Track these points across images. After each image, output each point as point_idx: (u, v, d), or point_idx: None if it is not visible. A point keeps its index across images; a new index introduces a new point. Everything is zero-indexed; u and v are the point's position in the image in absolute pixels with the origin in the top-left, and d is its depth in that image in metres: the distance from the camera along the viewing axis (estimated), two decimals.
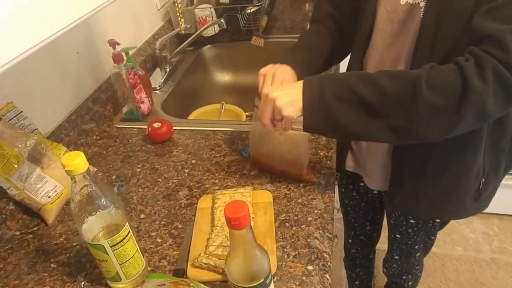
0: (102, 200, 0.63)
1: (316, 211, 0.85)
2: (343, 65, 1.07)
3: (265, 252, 0.59)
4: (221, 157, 1.03)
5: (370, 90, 0.69)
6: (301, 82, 0.75)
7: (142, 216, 0.89)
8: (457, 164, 0.86)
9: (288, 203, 0.87)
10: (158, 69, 1.46)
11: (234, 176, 0.97)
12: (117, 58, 1.12)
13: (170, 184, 0.97)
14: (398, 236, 1.16)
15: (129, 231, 0.68)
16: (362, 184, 1.15)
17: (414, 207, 1.00)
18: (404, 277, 1.33)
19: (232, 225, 0.52)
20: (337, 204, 1.27)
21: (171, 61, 1.46)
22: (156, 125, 1.10)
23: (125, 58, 1.16)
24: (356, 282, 1.54)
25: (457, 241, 1.95)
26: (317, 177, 0.92)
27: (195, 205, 0.89)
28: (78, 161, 0.58)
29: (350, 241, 1.37)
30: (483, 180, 0.90)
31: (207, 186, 0.95)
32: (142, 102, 1.21)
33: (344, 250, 1.44)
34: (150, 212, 0.89)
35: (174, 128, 1.14)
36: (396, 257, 1.24)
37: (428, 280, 1.78)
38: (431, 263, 1.84)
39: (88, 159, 1.06)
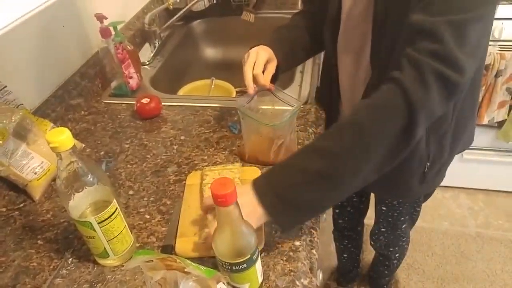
0: (89, 177, 0.63)
1: None
2: None
3: (252, 228, 0.59)
4: (210, 133, 1.03)
5: (316, 160, 0.64)
6: (250, 190, 0.66)
7: (131, 192, 0.89)
8: None
9: None
10: (147, 44, 1.44)
11: (223, 152, 0.96)
12: (104, 32, 1.10)
13: (158, 160, 0.96)
14: (384, 208, 1.18)
15: (116, 208, 0.68)
16: None
17: (371, 186, 1.02)
18: (391, 249, 1.36)
19: (218, 202, 0.52)
20: None
21: (160, 35, 1.43)
22: (144, 100, 1.08)
23: (113, 32, 1.13)
24: (345, 255, 1.57)
25: (444, 216, 1.99)
26: None
27: (184, 182, 0.89)
28: (63, 137, 0.57)
29: (337, 211, 1.39)
30: (428, 164, 0.90)
31: (196, 162, 0.94)
32: (131, 78, 1.19)
33: (332, 221, 1.46)
34: (139, 189, 0.89)
35: (163, 103, 1.13)
36: (382, 229, 1.26)
37: (415, 254, 1.82)
38: (417, 237, 1.88)
39: (76, 135, 1.05)
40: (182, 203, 0.83)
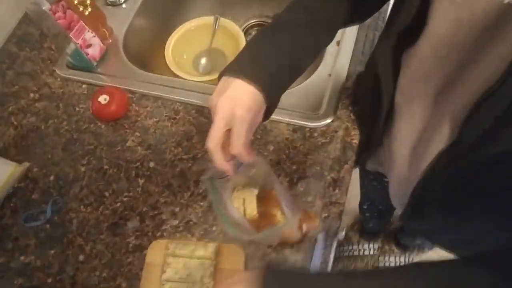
0: None
1: None
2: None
3: None
4: (189, 163, 0.74)
5: None
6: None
7: (81, 258, 0.69)
8: None
9: None
10: None
11: (201, 204, 0.70)
12: None
13: (118, 204, 0.72)
14: None
15: None
16: (386, 179, 0.85)
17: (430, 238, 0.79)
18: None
19: None
20: None
21: None
22: (102, 99, 0.78)
23: None
24: (370, 224, 1.36)
25: None
26: (314, 227, 0.65)
27: (145, 252, 0.67)
28: None
29: (367, 215, 1.12)
30: None
31: (163, 218, 0.70)
32: (89, 46, 0.85)
33: (359, 225, 1.20)
34: (91, 253, 0.69)
35: (134, 89, 0.82)
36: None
37: None
38: None
39: (21, 138, 0.81)
40: None
